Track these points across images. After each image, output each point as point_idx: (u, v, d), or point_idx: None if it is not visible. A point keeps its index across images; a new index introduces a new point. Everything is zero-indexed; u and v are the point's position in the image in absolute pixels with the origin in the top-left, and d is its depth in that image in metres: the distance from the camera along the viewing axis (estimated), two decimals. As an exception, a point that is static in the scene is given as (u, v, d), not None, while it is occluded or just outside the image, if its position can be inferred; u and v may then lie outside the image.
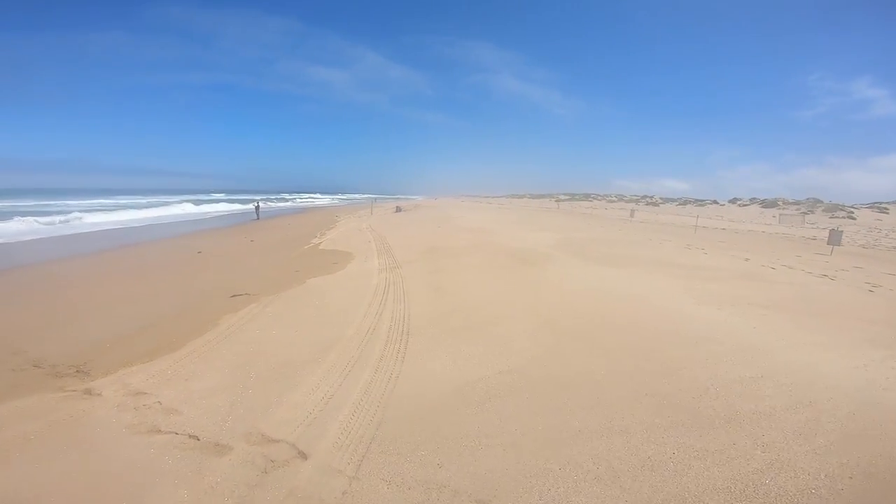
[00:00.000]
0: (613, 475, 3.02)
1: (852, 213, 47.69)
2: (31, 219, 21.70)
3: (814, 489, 2.85)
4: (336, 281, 9.36)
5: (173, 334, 6.17)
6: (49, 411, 4.11)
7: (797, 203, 56.90)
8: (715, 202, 67.94)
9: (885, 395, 3.96)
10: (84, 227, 21.52)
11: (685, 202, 71.79)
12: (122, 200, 50.86)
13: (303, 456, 3.39)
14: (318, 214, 36.95)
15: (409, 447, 3.44)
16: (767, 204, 59.04)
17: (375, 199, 74.21)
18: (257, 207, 32.39)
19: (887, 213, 47.23)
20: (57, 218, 23.28)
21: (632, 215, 39.42)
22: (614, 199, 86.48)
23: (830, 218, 44.50)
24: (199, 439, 3.74)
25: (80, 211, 28.45)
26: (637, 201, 77.66)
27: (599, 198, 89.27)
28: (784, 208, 53.56)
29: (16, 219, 21.07)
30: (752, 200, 63.69)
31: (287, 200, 73.72)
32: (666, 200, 78.12)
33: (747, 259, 12.05)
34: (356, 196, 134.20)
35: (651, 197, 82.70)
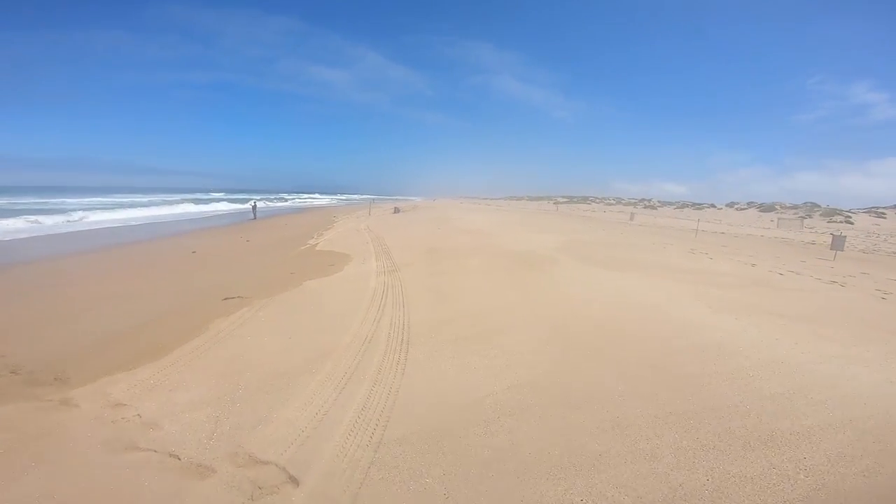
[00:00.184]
0: (642, 508, 2.70)
1: (850, 217, 47.76)
2: (33, 217, 21.40)
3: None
4: (333, 284, 9.01)
5: (160, 339, 5.85)
6: (21, 423, 3.83)
7: (795, 207, 56.98)
8: (712, 206, 68.02)
9: (925, 413, 3.66)
10: (80, 226, 21.10)
11: (683, 205, 71.84)
12: (121, 199, 50.34)
13: (294, 481, 3.07)
14: (316, 215, 36.56)
15: (411, 473, 3.10)
16: (765, 208, 59.10)
17: (374, 199, 73.83)
18: (254, 207, 31.90)
19: (885, 218, 47.34)
20: (60, 217, 22.88)
21: (631, 218, 39.30)
22: (612, 201, 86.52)
23: (828, 222, 44.54)
24: (179, 459, 3.45)
25: (79, 209, 28.06)
26: (635, 204, 77.70)
27: (598, 200, 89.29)
28: (782, 212, 53.62)
29: (23, 217, 20.74)
30: (750, 204, 63.78)
31: (286, 200, 73.26)
32: (664, 203, 78.21)
33: (754, 265, 11.80)
34: (355, 197, 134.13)
35: (649, 200, 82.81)
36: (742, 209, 61.45)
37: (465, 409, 3.84)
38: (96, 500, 2.89)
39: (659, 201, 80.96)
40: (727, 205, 66.67)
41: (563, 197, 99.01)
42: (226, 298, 7.79)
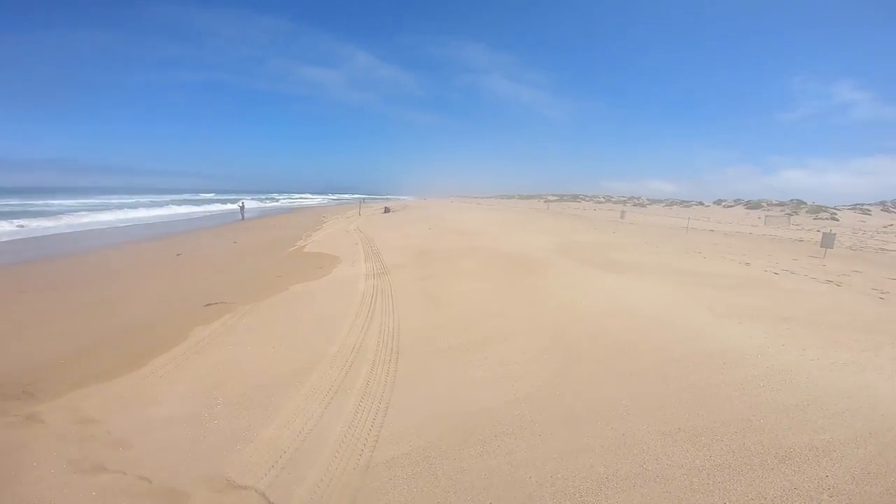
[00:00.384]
0: (655, 540, 2.47)
1: (835, 214, 48.50)
2: (18, 221, 20.70)
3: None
4: (320, 288, 8.69)
5: (137, 349, 5.54)
6: (-17, 441, 3.51)
7: (781, 204, 57.68)
8: (700, 203, 68.70)
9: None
10: (61, 229, 20.39)
11: (671, 203, 72.44)
12: (107, 200, 49.18)
13: (273, 511, 2.79)
14: (306, 215, 35.99)
15: (402, 501, 2.84)
16: (752, 205, 59.75)
17: (363, 199, 73.18)
18: (242, 207, 31.26)
19: (870, 215, 48.16)
20: (43, 220, 22.12)
21: (622, 217, 39.35)
22: (602, 199, 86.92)
23: (814, 219, 45.13)
24: (150, 482, 3.19)
25: (63, 212, 27.20)
26: (625, 202, 78.15)
27: (588, 199, 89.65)
28: (769, 210, 54.20)
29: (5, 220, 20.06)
30: (737, 202, 64.45)
31: (277, 200, 72.32)
32: (653, 201, 78.76)
33: (748, 264, 11.70)
34: (345, 196, 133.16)
35: (638, 198, 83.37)
36: (729, 206, 62.07)
37: (460, 427, 3.57)
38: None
39: (648, 199, 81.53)
40: (714, 202, 67.36)
41: (554, 195, 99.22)
42: (208, 304, 7.44)
